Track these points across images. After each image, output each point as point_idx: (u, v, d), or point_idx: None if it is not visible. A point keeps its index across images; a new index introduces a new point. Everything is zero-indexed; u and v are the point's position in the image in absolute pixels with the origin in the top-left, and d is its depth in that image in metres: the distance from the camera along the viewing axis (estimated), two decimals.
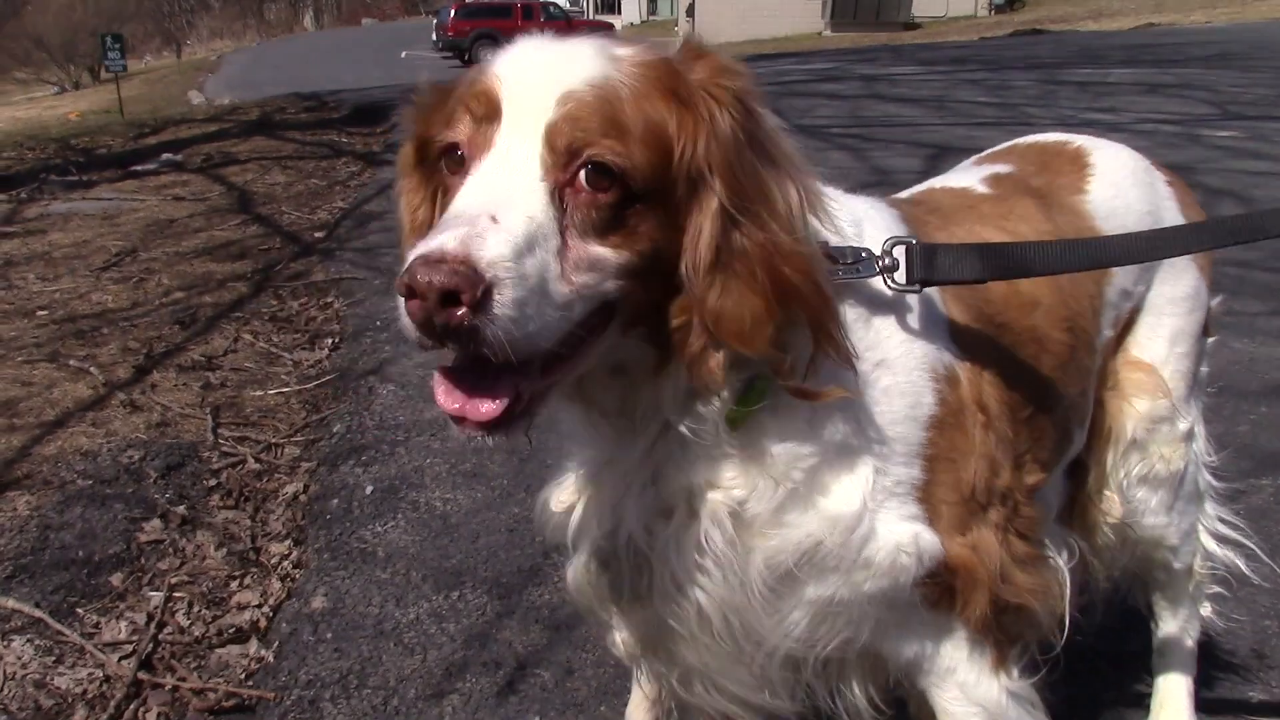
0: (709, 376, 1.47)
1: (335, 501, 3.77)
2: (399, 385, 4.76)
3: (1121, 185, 2.20)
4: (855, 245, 1.64)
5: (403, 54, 46.40)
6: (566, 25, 44.43)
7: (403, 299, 1.26)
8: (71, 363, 5.03)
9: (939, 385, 1.71)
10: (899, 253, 1.66)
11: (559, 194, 1.35)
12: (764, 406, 1.54)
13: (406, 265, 1.25)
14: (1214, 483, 2.49)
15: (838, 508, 1.60)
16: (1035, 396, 1.91)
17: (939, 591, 1.70)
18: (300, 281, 6.49)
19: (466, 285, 1.21)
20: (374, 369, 4.98)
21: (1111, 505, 2.27)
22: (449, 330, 1.24)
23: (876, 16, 44.72)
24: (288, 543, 3.54)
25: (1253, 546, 2.51)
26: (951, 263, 1.68)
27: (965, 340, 1.78)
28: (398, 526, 3.58)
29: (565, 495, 1.81)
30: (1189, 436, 2.30)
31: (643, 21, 61.57)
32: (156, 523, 3.61)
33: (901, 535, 1.63)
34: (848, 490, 1.61)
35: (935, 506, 1.68)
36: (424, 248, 1.26)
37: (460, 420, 1.34)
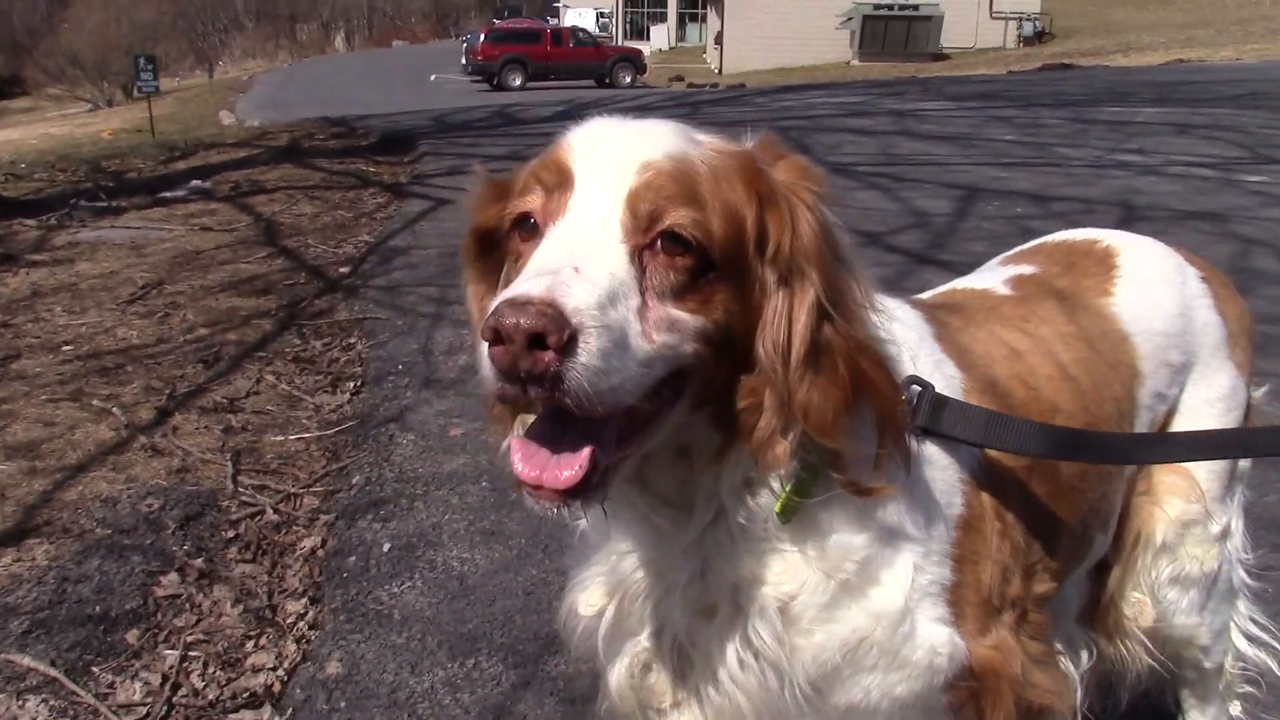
0: (775, 461, 1.48)
1: (353, 559, 3.74)
2: (419, 435, 4.72)
3: (1149, 287, 2.17)
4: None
5: (432, 77, 46.78)
6: (595, 50, 44.67)
7: (486, 345, 1.28)
8: (95, 403, 5.04)
9: (966, 487, 1.72)
10: (912, 392, 1.67)
11: (638, 256, 1.39)
12: (815, 499, 1.54)
13: (492, 309, 1.27)
14: (1248, 580, 2.43)
15: (883, 603, 1.59)
16: (1054, 506, 1.89)
17: (964, 697, 1.67)
18: (324, 320, 6.49)
19: (554, 328, 1.24)
20: (395, 416, 4.95)
21: (1142, 610, 2.23)
22: (534, 376, 1.26)
23: (905, 47, 44.71)
24: (304, 601, 3.51)
25: None
26: (956, 420, 1.69)
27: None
28: (414, 588, 3.55)
29: (594, 598, 1.77)
30: (1224, 535, 2.26)
31: (671, 48, 61.80)
32: (174, 576, 3.60)
33: (937, 636, 1.61)
34: (891, 585, 1.60)
35: (961, 608, 1.66)
36: (509, 293, 1.29)
37: (537, 489, 1.35)
